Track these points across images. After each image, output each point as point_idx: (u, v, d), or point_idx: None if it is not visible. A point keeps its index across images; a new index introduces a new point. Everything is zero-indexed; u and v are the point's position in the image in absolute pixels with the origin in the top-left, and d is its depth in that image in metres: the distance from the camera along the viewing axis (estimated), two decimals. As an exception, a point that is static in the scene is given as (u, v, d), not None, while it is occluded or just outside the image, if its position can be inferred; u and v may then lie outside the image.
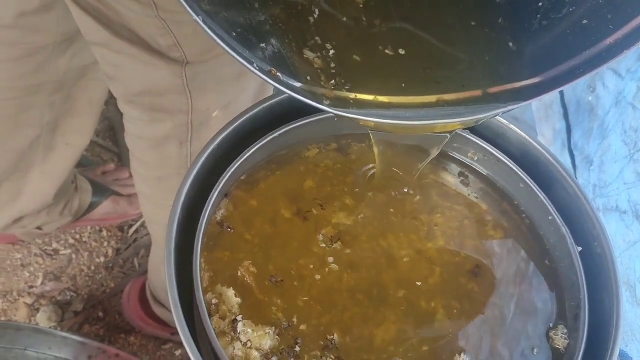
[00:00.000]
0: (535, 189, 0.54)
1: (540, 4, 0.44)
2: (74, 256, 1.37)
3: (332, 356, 0.47)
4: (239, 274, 0.49)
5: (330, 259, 0.51)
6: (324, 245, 0.52)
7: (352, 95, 0.44)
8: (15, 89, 1.01)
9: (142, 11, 0.70)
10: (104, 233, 1.42)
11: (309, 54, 0.45)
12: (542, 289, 0.52)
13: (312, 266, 0.51)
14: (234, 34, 0.40)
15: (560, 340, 0.49)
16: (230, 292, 0.48)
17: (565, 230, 0.52)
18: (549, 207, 0.53)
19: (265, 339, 0.46)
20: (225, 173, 0.51)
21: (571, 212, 0.53)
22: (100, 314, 1.31)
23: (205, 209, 0.49)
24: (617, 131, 0.92)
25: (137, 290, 1.27)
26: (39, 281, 1.33)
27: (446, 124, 0.46)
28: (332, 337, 0.47)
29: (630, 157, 0.87)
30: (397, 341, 0.48)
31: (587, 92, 1.09)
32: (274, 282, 0.49)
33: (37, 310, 1.28)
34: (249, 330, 0.46)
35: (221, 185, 0.50)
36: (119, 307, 1.31)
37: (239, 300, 0.48)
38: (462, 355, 0.48)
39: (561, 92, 1.27)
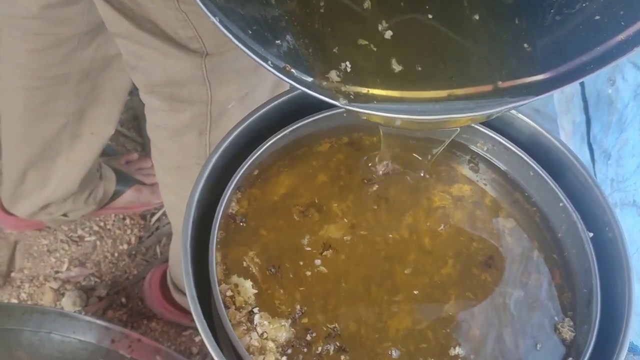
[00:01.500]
0: (545, 177, 0.54)
1: None
2: (98, 243, 1.41)
3: (337, 343, 0.48)
4: (244, 264, 0.50)
5: (342, 251, 0.52)
6: (337, 236, 0.53)
7: (365, 90, 0.44)
8: (43, 79, 1.04)
9: (163, 3, 0.72)
10: (127, 221, 1.45)
11: (332, 75, 0.45)
12: (554, 279, 0.53)
13: (321, 256, 0.52)
14: (250, 32, 0.41)
15: (568, 332, 0.50)
16: (248, 284, 0.49)
17: (576, 216, 0.52)
18: (560, 194, 0.54)
19: (280, 331, 0.47)
20: (238, 169, 0.52)
21: (582, 199, 0.54)
22: (123, 300, 1.34)
23: (219, 204, 0.50)
24: (635, 125, 0.91)
25: (158, 278, 1.30)
26: (65, 266, 1.37)
27: (457, 119, 0.46)
28: (334, 325, 0.48)
29: (647, 152, 0.86)
30: (410, 332, 0.49)
31: (607, 85, 1.08)
32: (273, 272, 0.50)
33: (62, 294, 1.32)
34: (265, 322, 0.47)
35: (235, 182, 0.51)
36: (141, 294, 1.34)
37: (255, 291, 0.49)
38: (457, 348, 0.48)
39: (582, 85, 1.26)
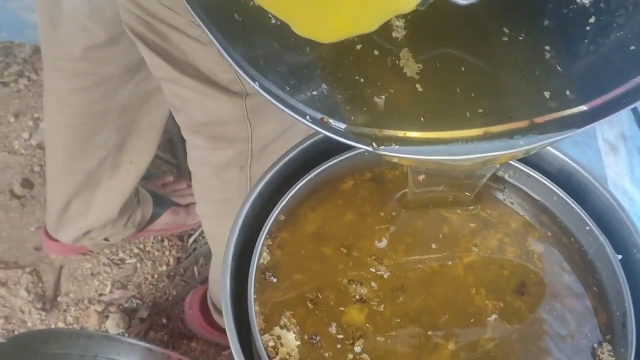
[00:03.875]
0: (569, 201, 0.54)
1: (588, 28, 0.42)
2: (138, 265, 1.45)
3: None
4: (282, 322, 0.50)
5: (375, 287, 0.52)
6: (371, 270, 0.53)
7: (401, 134, 0.44)
8: (85, 115, 1.09)
9: (204, 50, 0.75)
10: (166, 242, 1.49)
11: (367, 121, 0.44)
12: (588, 302, 0.53)
13: (360, 308, 0.51)
14: (288, 88, 0.42)
15: (608, 358, 0.49)
16: (290, 335, 0.49)
17: (603, 239, 0.52)
18: (585, 217, 0.54)
19: None
20: (268, 219, 0.52)
21: (608, 222, 0.54)
22: (164, 321, 1.38)
23: (253, 256, 0.51)
24: None
25: (198, 299, 1.33)
26: (107, 289, 1.41)
27: (495, 157, 0.47)
28: None
29: None
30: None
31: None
32: (314, 343, 0.50)
33: (107, 317, 1.36)
34: None
35: (266, 231, 0.52)
36: (181, 314, 1.37)
37: (298, 343, 0.49)
38: None
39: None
